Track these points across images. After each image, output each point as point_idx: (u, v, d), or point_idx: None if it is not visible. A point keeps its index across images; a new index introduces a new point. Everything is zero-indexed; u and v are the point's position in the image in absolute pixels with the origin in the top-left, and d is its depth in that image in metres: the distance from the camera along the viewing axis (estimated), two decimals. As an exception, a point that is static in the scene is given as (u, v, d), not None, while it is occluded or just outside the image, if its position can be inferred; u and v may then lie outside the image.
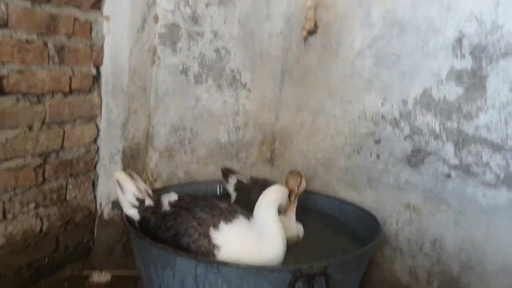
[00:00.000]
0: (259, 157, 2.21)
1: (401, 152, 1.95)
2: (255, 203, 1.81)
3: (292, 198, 1.68)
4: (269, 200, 1.47)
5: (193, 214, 1.50)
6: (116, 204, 2.21)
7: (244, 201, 1.86)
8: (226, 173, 2.09)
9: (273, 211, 1.45)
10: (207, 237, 1.44)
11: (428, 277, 1.94)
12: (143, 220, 1.59)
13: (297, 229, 1.70)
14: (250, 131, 2.21)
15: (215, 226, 1.46)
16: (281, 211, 1.56)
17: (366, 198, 2.01)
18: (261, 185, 1.93)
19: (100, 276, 2.16)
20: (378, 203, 2.00)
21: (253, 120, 2.19)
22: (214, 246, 1.42)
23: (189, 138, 2.31)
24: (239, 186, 2.00)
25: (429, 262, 1.93)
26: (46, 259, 2.05)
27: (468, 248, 1.86)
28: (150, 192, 1.71)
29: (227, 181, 2.06)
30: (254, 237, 1.45)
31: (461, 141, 1.84)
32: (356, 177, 2.03)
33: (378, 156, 2.00)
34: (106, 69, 2.16)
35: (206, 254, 1.41)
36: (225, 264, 1.31)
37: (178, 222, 1.49)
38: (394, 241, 1.99)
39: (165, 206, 1.59)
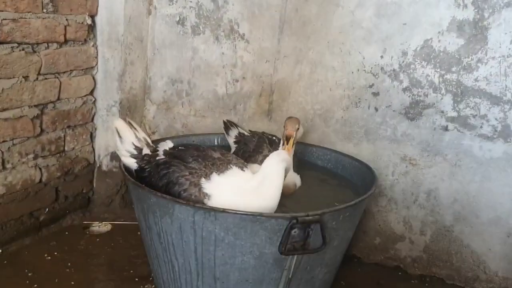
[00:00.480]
0: (256, 109, 2.21)
1: (399, 104, 1.95)
2: (253, 153, 1.84)
3: (291, 142, 1.68)
4: (282, 157, 1.49)
5: (186, 164, 1.51)
6: (114, 156, 2.23)
7: (242, 152, 1.87)
8: (228, 125, 2.09)
9: (281, 167, 1.47)
10: (198, 186, 1.45)
11: (422, 226, 1.99)
12: (140, 169, 1.61)
13: (294, 178, 1.73)
14: (248, 83, 2.20)
15: (207, 176, 1.48)
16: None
17: (362, 151, 2.03)
18: (260, 137, 1.94)
19: (100, 226, 2.21)
20: (374, 155, 2.02)
21: (251, 72, 2.18)
22: (205, 195, 1.44)
23: (187, 90, 2.30)
24: (239, 138, 2.01)
25: (423, 213, 1.97)
26: (47, 209, 2.09)
27: (462, 199, 1.90)
28: (149, 141, 1.72)
29: (227, 134, 2.07)
30: (249, 187, 1.46)
31: (460, 93, 1.84)
32: (354, 129, 2.04)
33: (376, 109, 2.00)
34: (101, 18, 2.12)
35: (196, 203, 1.42)
36: (222, 211, 1.34)
37: (171, 171, 1.50)
38: (389, 192, 2.02)
39: (160, 155, 1.60)
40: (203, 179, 1.47)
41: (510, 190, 1.83)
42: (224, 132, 2.07)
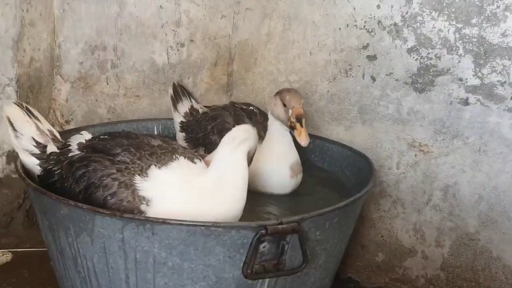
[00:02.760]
0: (211, 84, 2.21)
1: (403, 71, 1.97)
2: (213, 142, 1.83)
3: (304, 123, 1.70)
4: (241, 136, 1.47)
5: (112, 158, 1.50)
6: (13, 156, 2.18)
7: (203, 137, 1.89)
8: (177, 93, 2.07)
9: (242, 154, 1.46)
10: (131, 187, 1.44)
11: (438, 235, 2.02)
12: (45, 173, 1.60)
13: (295, 157, 1.79)
14: (198, 47, 2.19)
15: (143, 172, 1.46)
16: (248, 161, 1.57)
17: (357, 136, 2.05)
18: (232, 110, 1.92)
19: (-3, 256, 2.17)
20: (372, 141, 2.04)
21: (201, 32, 2.17)
22: (141, 200, 1.43)
23: (112, 60, 2.28)
24: (189, 117, 2.01)
25: (439, 217, 2.00)
26: None
27: (489, 197, 1.93)
28: (57, 135, 1.70)
29: (175, 107, 2.05)
30: (200, 187, 1.46)
31: (483, 53, 1.87)
32: (344, 106, 2.05)
33: (373, 78, 2.02)
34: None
35: (130, 212, 1.41)
36: (162, 222, 1.32)
37: (91, 170, 1.49)
38: (394, 191, 2.05)
39: (74, 149, 1.60)
40: (137, 177, 1.45)
41: (552, 181, 1.88)
42: (171, 103, 2.05)
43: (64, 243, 1.48)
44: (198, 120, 1.97)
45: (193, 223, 1.32)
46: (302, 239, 1.38)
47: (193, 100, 2.08)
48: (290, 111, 1.72)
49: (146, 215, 1.40)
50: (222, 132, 1.82)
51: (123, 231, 1.35)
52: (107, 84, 2.30)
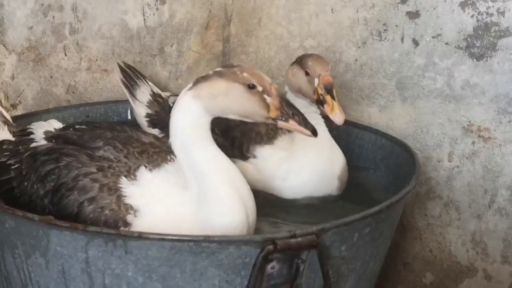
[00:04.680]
0: (202, 53, 2.22)
1: (455, 32, 1.97)
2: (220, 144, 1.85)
3: (335, 94, 1.70)
4: (191, 116, 1.43)
5: (91, 153, 1.51)
6: None
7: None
8: (129, 77, 2.07)
9: (205, 136, 1.45)
10: (116, 192, 1.45)
11: (504, 248, 2.02)
12: (-3, 168, 1.60)
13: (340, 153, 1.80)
14: (184, 5, 2.19)
15: (130, 173, 1.48)
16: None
17: (394, 118, 2.05)
18: None
19: None
20: (416, 126, 2.04)
21: (188, -16, 2.18)
22: (128, 208, 1.44)
23: (72, 23, 2.28)
24: (157, 107, 2.02)
25: (505, 223, 2.01)
26: None
27: None
28: (8, 118, 1.72)
29: (133, 95, 2.05)
30: (194, 195, 1.47)
31: (561, 6, 1.87)
32: (377, 80, 2.06)
33: (415, 42, 2.02)
34: None
35: (112, 224, 1.43)
36: (137, 236, 1.31)
37: (62, 166, 1.49)
38: (445, 191, 2.05)
39: (39, 139, 1.61)
40: (123, 179, 1.48)
41: None
42: (126, 91, 2.05)
43: (10, 266, 1.48)
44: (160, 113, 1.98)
45: (178, 238, 1.32)
46: (323, 257, 1.37)
47: (149, 83, 2.07)
48: (316, 80, 1.71)
49: (134, 228, 1.42)
50: (228, 133, 1.85)
51: (87, 250, 1.35)
52: (65, 55, 2.30)
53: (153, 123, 2.01)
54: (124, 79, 2.06)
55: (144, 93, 2.04)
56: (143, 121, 2.03)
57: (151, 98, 2.02)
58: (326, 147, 1.79)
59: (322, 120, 1.79)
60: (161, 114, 1.99)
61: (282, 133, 1.85)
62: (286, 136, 1.85)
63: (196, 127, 1.42)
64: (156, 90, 2.06)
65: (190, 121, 1.42)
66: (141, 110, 2.03)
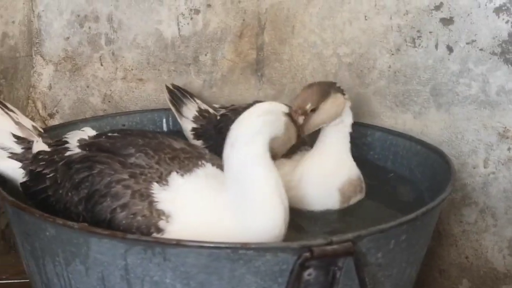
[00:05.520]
0: (235, 61, 2.22)
1: (490, 38, 1.96)
2: None
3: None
4: (252, 130, 1.46)
5: (123, 160, 1.51)
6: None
7: (213, 147, 1.88)
8: (178, 95, 2.10)
9: (260, 149, 1.45)
10: (148, 198, 1.45)
11: (543, 255, 2.00)
12: (32, 177, 1.61)
13: (353, 167, 1.79)
14: (218, 14, 2.20)
15: (162, 179, 1.48)
16: (276, 153, 1.58)
17: (429, 124, 2.04)
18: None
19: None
20: (451, 132, 2.03)
21: (221, -6, 2.19)
22: (160, 214, 1.44)
23: (107, 34, 2.30)
24: (202, 121, 2.04)
25: (544, 230, 1.99)
26: None
27: None
28: (41, 130, 1.72)
29: (179, 112, 2.09)
30: (231, 199, 1.47)
31: None
32: (411, 87, 2.05)
33: (449, 48, 2.01)
34: None
35: (145, 230, 1.43)
36: (175, 244, 1.32)
37: (96, 173, 1.50)
38: (481, 197, 2.04)
39: (73, 148, 1.61)
40: (155, 185, 1.47)
41: None
42: (173, 109, 2.09)
43: (51, 273, 1.49)
44: (218, 126, 1.99)
45: (216, 245, 1.32)
46: (359, 264, 1.37)
47: (197, 100, 2.11)
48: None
49: (166, 234, 1.42)
50: None
51: (126, 257, 1.36)
52: (101, 65, 2.33)
53: (197, 135, 2.05)
54: (171, 99, 2.12)
55: (190, 109, 2.09)
56: (189, 135, 2.07)
57: (197, 114, 2.07)
58: (330, 160, 1.79)
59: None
60: (206, 128, 2.02)
61: (304, 149, 1.87)
62: (304, 152, 1.86)
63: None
64: (204, 106, 2.10)
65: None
66: (187, 125, 2.08)
